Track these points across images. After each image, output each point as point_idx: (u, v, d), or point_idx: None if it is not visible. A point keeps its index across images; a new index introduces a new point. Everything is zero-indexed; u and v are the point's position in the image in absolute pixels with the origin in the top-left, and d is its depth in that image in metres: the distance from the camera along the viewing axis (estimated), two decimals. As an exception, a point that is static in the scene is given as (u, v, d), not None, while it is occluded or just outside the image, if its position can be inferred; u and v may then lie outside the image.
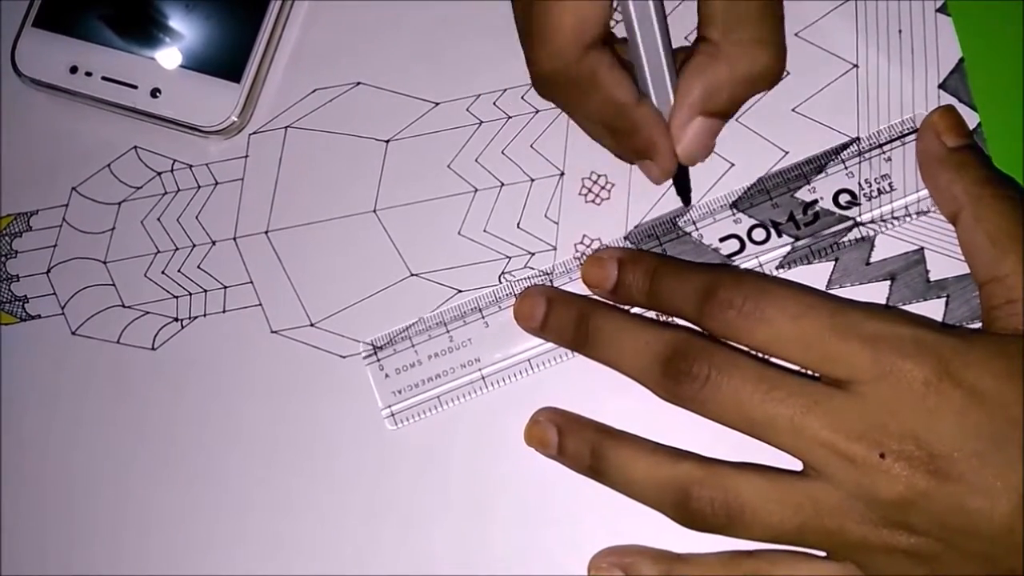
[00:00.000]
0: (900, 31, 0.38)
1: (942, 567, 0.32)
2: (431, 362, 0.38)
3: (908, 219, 0.37)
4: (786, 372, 0.33)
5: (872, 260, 0.37)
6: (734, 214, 0.38)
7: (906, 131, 0.37)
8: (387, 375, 0.39)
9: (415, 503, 0.38)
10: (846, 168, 0.37)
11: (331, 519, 0.38)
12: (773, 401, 0.32)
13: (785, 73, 0.38)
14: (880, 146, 0.37)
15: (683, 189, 0.38)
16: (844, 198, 0.37)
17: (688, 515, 0.33)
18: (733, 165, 0.38)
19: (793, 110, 0.38)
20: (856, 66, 0.38)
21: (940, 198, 0.36)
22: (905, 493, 0.31)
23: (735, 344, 0.34)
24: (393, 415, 0.38)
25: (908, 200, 0.37)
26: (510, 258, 0.39)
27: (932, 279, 0.37)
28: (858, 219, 0.37)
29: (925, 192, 0.37)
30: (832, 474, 0.32)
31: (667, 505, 0.34)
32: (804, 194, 0.37)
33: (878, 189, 0.37)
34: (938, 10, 0.38)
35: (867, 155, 0.37)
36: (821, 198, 0.37)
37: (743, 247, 0.38)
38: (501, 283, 0.39)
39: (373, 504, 0.38)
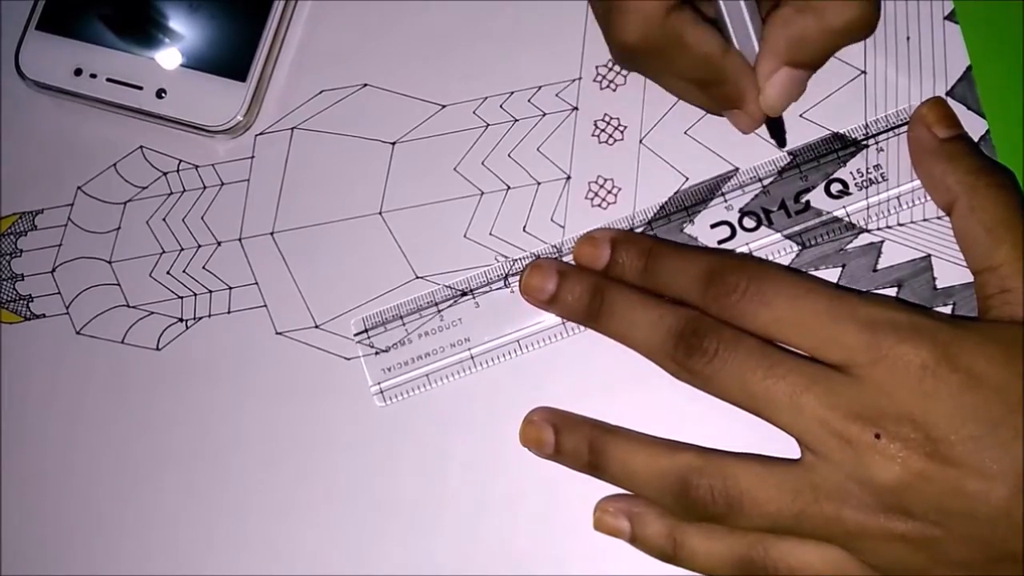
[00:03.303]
0: (908, 38, 0.38)
1: (940, 552, 0.32)
2: (421, 341, 0.38)
3: (898, 210, 0.37)
4: (789, 353, 0.33)
5: (879, 267, 0.37)
6: (726, 201, 0.38)
7: (898, 122, 0.37)
8: (377, 352, 0.39)
9: (417, 502, 0.38)
10: (839, 157, 0.37)
11: (334, 520, 0.38)
12: (773, 377, 0.32)
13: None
14: (873, 136, 0.37)
15: (777, 133, 0.37)
16: (836, 187, 0.37)
17: (688, 504, 0.34)
18: (737, 169, 0.38)
19: (800, 116, 0.38)
20: (864, 72, 0.38)
21: (934, 189, 0.36)
22: (901, 475, 0.31)
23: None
24: (382, 392, 0.39)
25: (900, 190, 0.37)
26: (516, 261, 0.39)
27: (939, 286, 0.37)
28: (849, 209, 0.37)
29: (917, 183, 0.37)
30: (828, 455, 0.32)
31: (667, 495, 0.34)
32: (795, 183, 0.37)
33: (870, 179, 0.37)
34: (946, 17, 0.38)
35: (860, 145, 0.37)
36: (812, 187, 0.37)
37: (733, 234, 0.38)
38: (493, 263, 0.39)
39: (379, 503, 0.38)
